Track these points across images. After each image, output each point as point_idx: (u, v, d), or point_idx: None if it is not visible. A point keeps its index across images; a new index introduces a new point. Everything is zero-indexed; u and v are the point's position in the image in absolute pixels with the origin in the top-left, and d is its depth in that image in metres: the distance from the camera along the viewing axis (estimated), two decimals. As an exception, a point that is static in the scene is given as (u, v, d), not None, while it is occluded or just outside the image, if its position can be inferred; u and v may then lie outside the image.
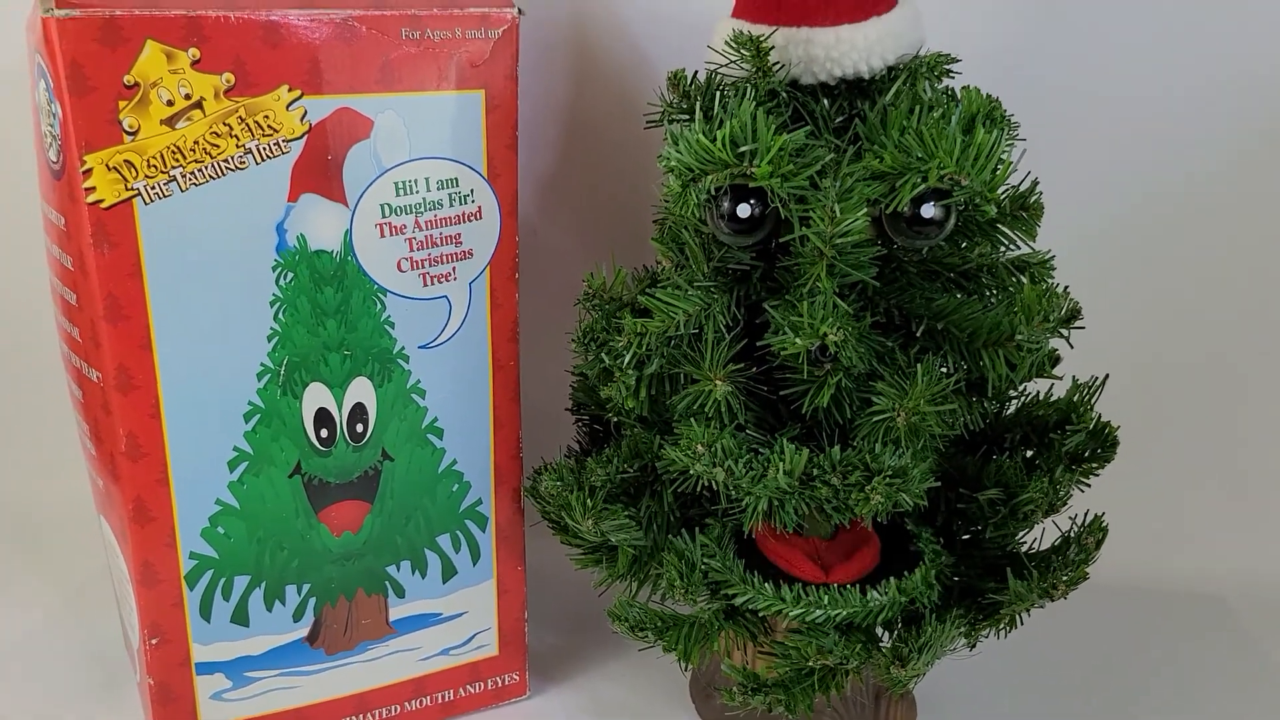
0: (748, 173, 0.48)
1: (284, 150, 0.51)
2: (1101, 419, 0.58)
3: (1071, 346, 0.55)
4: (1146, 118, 0.75)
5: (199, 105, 0.49)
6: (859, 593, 0.52)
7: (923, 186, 0.48)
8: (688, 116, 0.57)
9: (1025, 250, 0.56)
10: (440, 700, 0.65)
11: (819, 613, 0.51)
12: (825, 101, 0.54)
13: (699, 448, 0.51)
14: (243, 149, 0.50)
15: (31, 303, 0.77)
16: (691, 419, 0.53)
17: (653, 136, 0.75)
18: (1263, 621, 0.76)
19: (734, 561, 0.55)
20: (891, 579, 0.52)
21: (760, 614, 0.58)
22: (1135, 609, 0.77)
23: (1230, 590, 0.79)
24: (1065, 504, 0.55)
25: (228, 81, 0.49)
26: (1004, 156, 0.49)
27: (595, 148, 0.77)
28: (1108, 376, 0.58)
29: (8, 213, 0.81)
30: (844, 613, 0.51)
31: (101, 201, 0.49)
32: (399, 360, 0.57)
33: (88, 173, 0.48)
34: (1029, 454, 0.59)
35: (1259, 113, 0.74)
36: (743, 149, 0.48)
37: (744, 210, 0.51)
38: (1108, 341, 0.63)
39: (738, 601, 0.53)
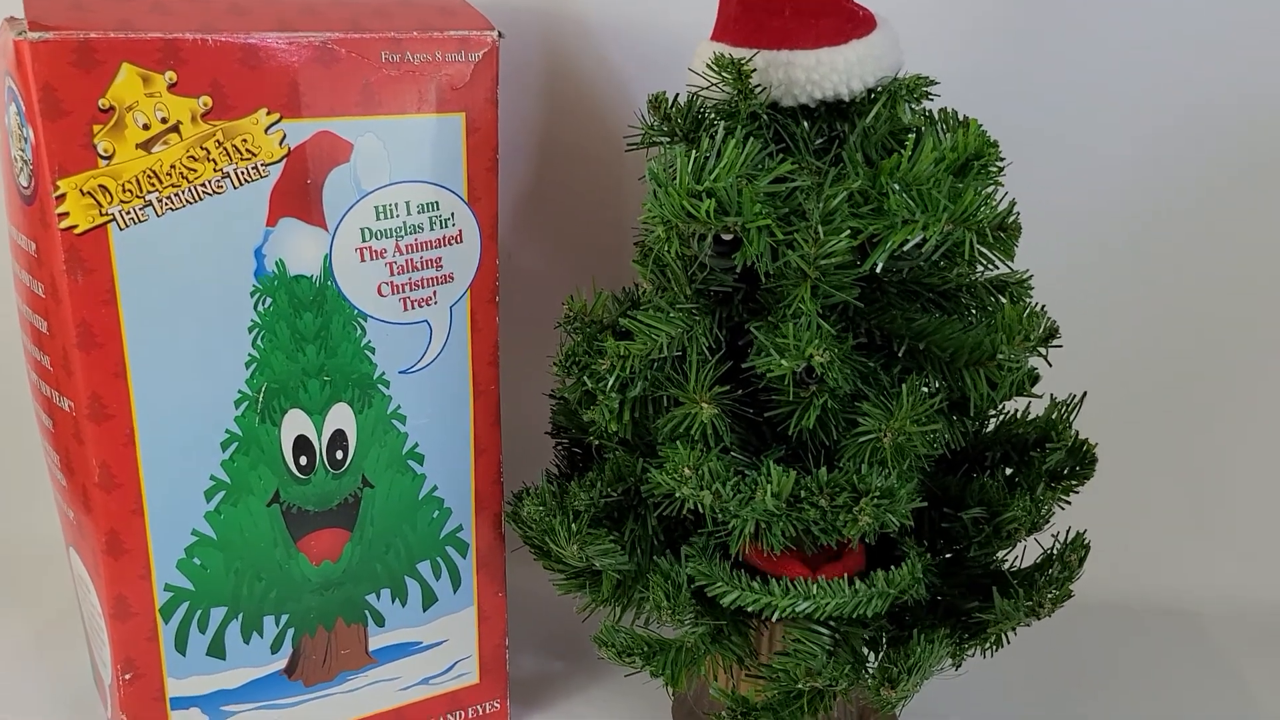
0: (730, 227, 0.49)
1: (263, 174, 0.50)
2: (1079, 437, 0.58)
3: (1050, 365, 0.56)
4: (1123, 138, 0.76)
5: (176, 129, 0.49)
6: (847, 583, 0.52)
7: (919, 238, 0.48)
8: (669, 139, 0.57)
9: (1003, 270, 0.57)
10: (420, 730, 0.64)
11: (807, 604, 0.51)
12: (805, 124, 0.54)
13: (686, 470, 0.51)
14: (220, 173, 0.50)
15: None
16: (677, 442, 0.53)
17: (631, 155, 0.75)
18: (1237, 637, 0.77)
19: (720, 564, 0.54)
20: (879, 571, 0.52)
21: (746, 633, 0.57)
22: (1111, 626, 0.78)
23: (1205, 606, 0.80)
24: (1048, 522, 0.56)
25: (205, 105, 0.49)
26: (990, 199, 0.50)
27: (572, 169, 0.77)
28: (1085, 394, 0.59)
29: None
30: (832, 603, 0.51)
31: (75, 227, 0.48)
32: (379, 386, 0.56)
33: (61, 198, 0.47)
34: (1009, 472, 0.60)
35: (1233, 138, 0.76)
36: (728, 218, 0.48)
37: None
38: (1078, 361, 0.63)
39: (725, 601, 0.53)
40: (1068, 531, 0.56)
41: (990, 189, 0.50)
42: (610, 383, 0.54)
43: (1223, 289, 0.79)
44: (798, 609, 0.52)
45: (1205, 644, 0.76)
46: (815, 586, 0.52)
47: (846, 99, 0.53)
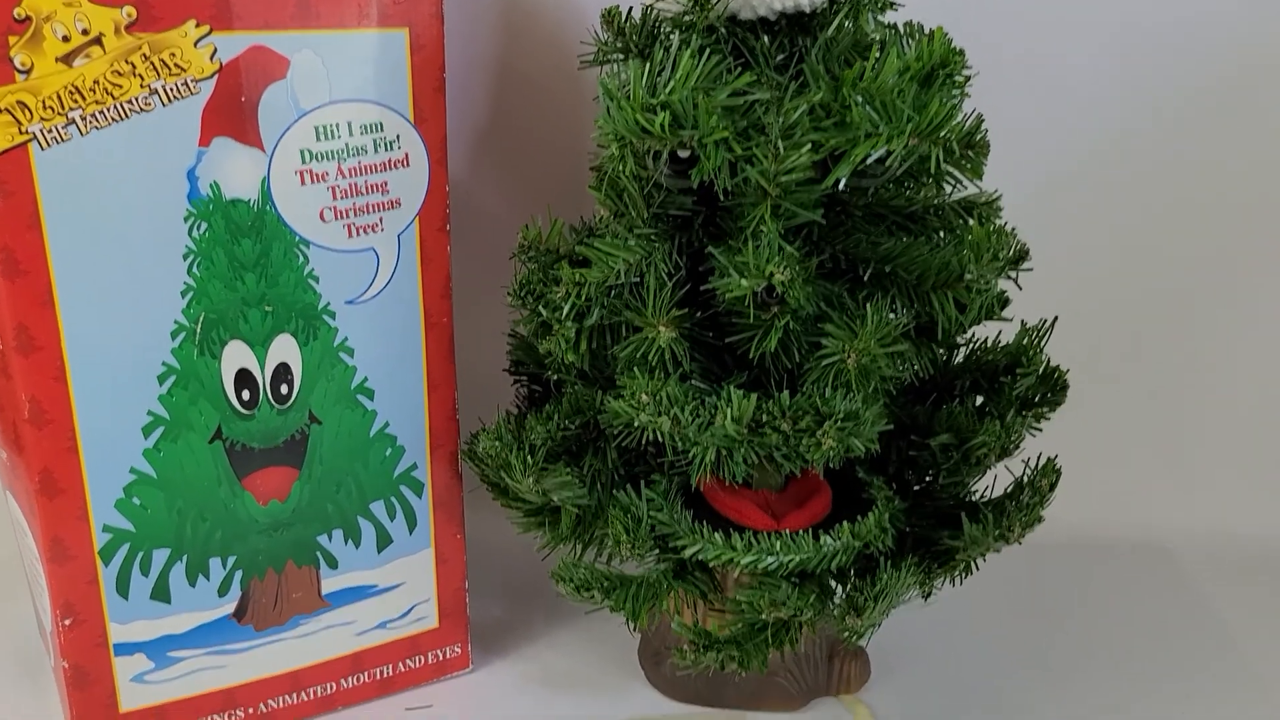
0: (686, 143, 0.46)
1: (193, 91, 0.48)
2: (1050, 363, 0.57)
3: (1020, 288, 0.54)
4: (1093, 51, 0.74)
5: (98, 41, 0.46)
6: (811, 538, 0.50)
7: (881, 151, 0.46)
8: (623, 56, 0.54)
9: (972, 191, 0.55)
10: (378, 676, 0.62)
11: (771, 560, 0.49)
12: (765, 38, 0.52)
13: (643, 397, 0.49)
14: (148, 89, 0.47)
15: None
16: (635, 369, 0.51)
17: (587, 80, 0.73)
18: (1206, 570, 0.76)
19: (682, 514, 0.53)
20: (844, 523, 0.51)
21: (710, 569, 0.56)
22: (1081, 562, 0.77)
23: (1174, 541, 0.79)
24: (1018, 447, 0.54)
25: (129, 16, 0.46)
26: (956, 110, 0.48)
27: (526, 96, 0.74)
28: (1056, 319, 0.57)
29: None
30: (796, 558, 0.49)
31: (-7, 146, 0.45)
32: (324, 317, 0.54)
33: (-24, 114, 0.44)
34: (979, 401, 0.58)
35: (1209, 48, 0.74)
36: (683, 131, 0.46)
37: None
38: (1047, 291, 0.62)
39: (686, 554, 0.51)
40: (1038, 457, 0.55)
41: (956, 99, 0.48)
42: (566, 311, 0.52)
43: (1201, 211, 0.78)
44: (761, 565, 0.50)
45: (1177, 577, 0.76)
46: (779, 541, 0.50)
47: (808, 10, 0.51)
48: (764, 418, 0.48)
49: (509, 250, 0.58)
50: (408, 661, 0.63)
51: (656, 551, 0.54)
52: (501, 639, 0.68)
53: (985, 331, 0.59)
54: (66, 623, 0.53)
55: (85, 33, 0.46)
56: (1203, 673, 0.66)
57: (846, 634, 0.50)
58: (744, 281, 0.48)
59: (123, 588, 0.53)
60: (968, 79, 0.49)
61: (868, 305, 0.49)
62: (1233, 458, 0.82)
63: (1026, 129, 0.73)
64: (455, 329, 0.58)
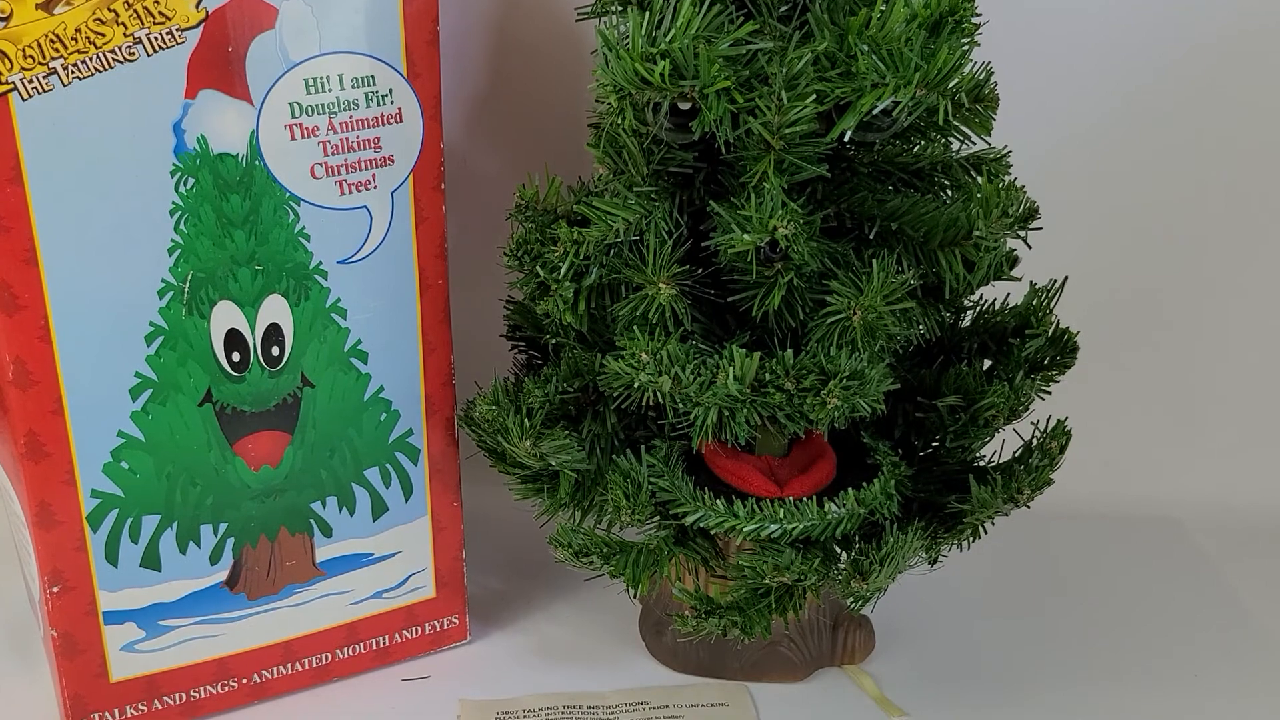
0: (687, 94, 0.45)
1: (178, 40, 0.46)
2: (1060, 324, 0.56)
3: (1030, 247, 0.53)
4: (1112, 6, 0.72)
5: (80, -12, 0.44)
6: (816, 505, 0.49)
7: (888, 102, 0.45)
8: (622, 7, 0.53)
9: (980, 146, 0.54)
10: (374, 646, 0.61)
11: (774, 527, 0.48)
12: (768, -14, 0.50)
13: (643, 356, 0.48)
14: (131, 38, 0.46)
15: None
16: (635, 328, 0.50)
17: (586, 38, 0.71)
18: (1217, 542, 0.75)
19: (683, 480, 0.51)
20: (849, 490, 0.49)
21: (713, 535, 0.55)
22: (1090, 533, 0.76)
23: (1185, 513, 0.78)
24: (1027, 409, 0.53)
25: (111, -39, 0.44)
26: (965, 60, 0.47)
27: (524, 57, 0.72)
28: (1066, 279, 0.56)
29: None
30: (800, 526, 0.48)
31: (-29, 96, 0.44)
32: (316, 276, 0.52)
33: (-46, 63, 0.43)
34: (987, 364, 0.57)
35: (1237, 4, 0.72)
36: (684, 81, 0.44)
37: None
38: (1057, 255, 0.60)
39: (688, 521, 0.50)
40: (1048, 420, 0.53)
41: (965, 47, 0.47)
42: (564, 270, 0.51)
43: (1216, 173, 0.76)
44: (764, 533, 0.49)
45: (1187, 548, 0.74)
46: (782, 509, 0.49)
47: (812, -43, 0.49)
48: (767, 376, 0.47)
49: (505, 214, 0.57)
50: (404, 632, 0.61)
51: (657, 518, 0.53)
52: (500, 610, 0.67)
53: (993, 293, 0.58)
54: (54, 590, 0.52)
55: (66, -21, 0.44)
56: (1213, 645, 0.65)
57: (851, 599, 0.49)
58: (746, 236, 0.46)
59: (112, 554, 0.52)
60: (977, 27, 0.47)
61: (874, 262, 0.48)
62: (1244, 427, 0.80)
63: (1037, 82, 0.71)
64: (451, 295, 0.57)
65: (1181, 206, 0.77)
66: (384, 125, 0.52)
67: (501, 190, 0.73)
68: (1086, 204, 0.77)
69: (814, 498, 0.51)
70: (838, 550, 0.52)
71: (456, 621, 0.63)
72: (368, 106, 0.51)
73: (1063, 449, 0.52)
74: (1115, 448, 0.78)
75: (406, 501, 0.59)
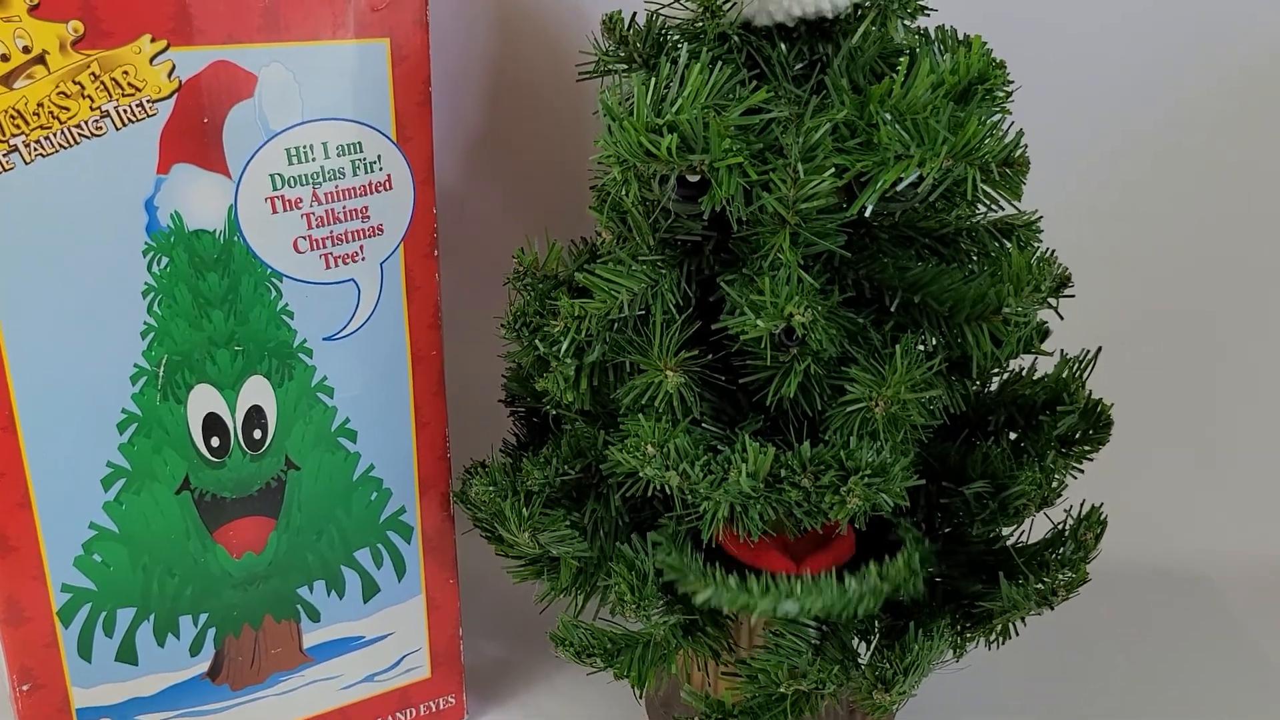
0: (696, 167, 0.42)
1: (150, 112, 0.43)
2: (1093, 397, 0.52)
3: (1061, 318, 0.50)
4: (1138, 58, 0.69)
5: (41, 60, 0.41)
6: (835, 580, 0.46)
7: (914, 175, 0.42)
8: (626, 67, 0.50)
9: (1009, 210, 0.50)
10: (367, 731, 0.58)
11: (791, 604, 0.45)
12: (783, 46, 0.47)
13: (649, 449, 0.45)
14: (99, 111, 0.42)
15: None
16: (639, 414, 0.46)
17: (590, 90, 0.68)
18: (1250, 601, 0.72)
19: (691, 557, 0.48)
20: (871, 564, 0.46)
21: (723, 625, 0.52)
22: (1122, 591, 0.72)
23: (1217, 571, 0.75)
24: (1059, 496, 0.50)
25: (75, 31, 0.41)
26: (996, 129, 0.43)
27: (525, 105, 0.69)
28: (1100, 350, 0.53)
29: None
30: (819, 603, 0.45)
31: (-75, 177, 0.41)
32: (300, 355, 0.49)
33: (-94, 143, 0.40)
34: (1014, 437, 0.53)
35: (1247, 65, 0.69)
36: (693, 155, 0.41)
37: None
38: (1081, 314, 0.57)
39: (698, 601, 0.46)
40: (1081, 504, 0.50)
41: (996, 117, 0.43)
42: (565, 346, 0.48)
43: (1236, 227, 0.72)
44: (780, 610, 0.46)
45: (1219, 608, 0.71)
46: (799, 584, 0.45)
47: (830, 16, 0.46)
48: (782, 472, 0.44)
49: (504, 266, 0.53)
50: (398, 715, 0.58)
51: (663, 608, 0.50)
52: (499, 683, 0.64)
53: (1020, 360, 0.54)
54: (24, 688, 0.49)
55: (27, 50, 0.41)
56: (1241, 698, 0.61)
57: (874, 710, 0.45)
58: (760, 322, 0.43)
59: (85, 650, 0.49)
60: (1009, 94, 0.44)
61: (896, 344, 0.45)
62: (1273, 482, 0.77)
63: (1061, 140, 0.68)
64: (446, 352, 0.54)
65: (1209, 258, 0.74)
66: (372, 194, 0.48)
67: (499, 235, 0.70)
68: (1111, 249, 0.74)
69: (833, 573, 0.47)
70: (857, 644, 0.49)
71: (453, 701, 0.60)
72: (355, 175, 0.48)
73: (1098, 538, 0.48)
74: (1145, 504, 0.75)
75: (399, 581, 0.56)
